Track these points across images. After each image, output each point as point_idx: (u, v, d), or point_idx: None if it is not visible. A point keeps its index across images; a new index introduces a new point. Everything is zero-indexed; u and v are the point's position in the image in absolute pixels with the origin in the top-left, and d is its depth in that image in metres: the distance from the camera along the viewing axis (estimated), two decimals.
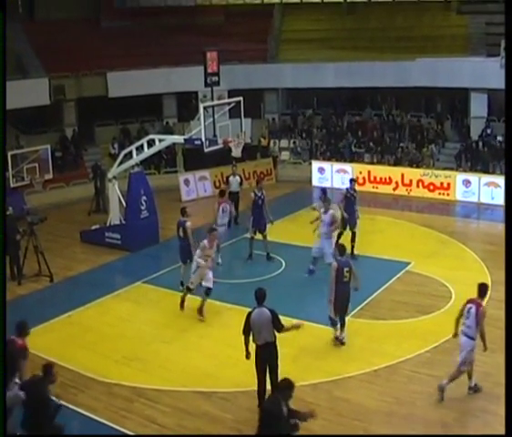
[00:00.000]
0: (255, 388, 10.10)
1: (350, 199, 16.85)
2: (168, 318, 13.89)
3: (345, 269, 11.83)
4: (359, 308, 13.35)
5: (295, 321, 10.31)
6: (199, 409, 10.34)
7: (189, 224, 14.83)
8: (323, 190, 17.15)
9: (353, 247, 16.51)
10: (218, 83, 18.89)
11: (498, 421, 9.26)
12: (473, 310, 10.01)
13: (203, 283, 13.57)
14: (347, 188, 17.23)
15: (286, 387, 7.90)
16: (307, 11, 30.15)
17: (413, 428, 9.73)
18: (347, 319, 12.58)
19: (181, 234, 14.89)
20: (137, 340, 12.83)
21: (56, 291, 15.68)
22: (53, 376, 8.51)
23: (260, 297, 9.96)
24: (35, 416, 8.31)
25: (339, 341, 12.20)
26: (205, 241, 13.57)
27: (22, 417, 8.41)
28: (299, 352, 11.63)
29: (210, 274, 13.63)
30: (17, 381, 9.17)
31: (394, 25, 28.31)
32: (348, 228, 16.70)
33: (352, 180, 17.79)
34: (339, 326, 12.16)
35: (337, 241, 15.47)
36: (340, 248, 12.40)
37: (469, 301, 10.27)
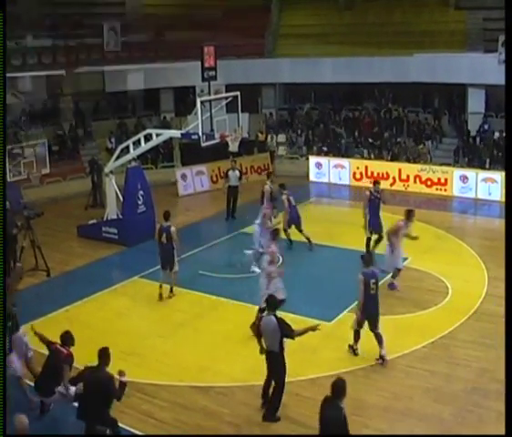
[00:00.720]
0: (252, 382, 10.15)
1: (374, 202, 16.19)
2: (164, 312, 13.89)
3: (372, 281, 11.20)
4: (356, 303, 13.32)
5: (312, 324, 10.12)
6: (196, 403, 10.35)
7: (173, 229, 14.34)
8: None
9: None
10: (215, 77, 18.82)
11: (495, 416, 9.32)
12: None
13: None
14: (370, 191, 16.52)
15: (341, 388, 7.59)
16: (305, 6, 30.09)
17: (410, 423, 9.76)
18: (346, 314, 12.67)
19: (164, 240, 14.34)
20: (133, 334, 12.83)
21: (53, 286, 15.66)
22: (107, 358, 8.67)
23: (271, 304, 9.93)
24: (96, 404, 8.50)
25: (381, 360, 11.30)
26: (272, 247, 12.45)
27: (78, 407, 8.81)
28: (296, 347, 11.55)
29: (281, 283, 12.32)
30: (61, 389, 9.44)
31: (392, 21, 28.24)
32: (372, 232, 16.13)
33: (376, 182, 17.02)
34: (377, 342, 11.32)
35: (366, 249, 15.43)
36: (365, 259, 11.65)
37: None
